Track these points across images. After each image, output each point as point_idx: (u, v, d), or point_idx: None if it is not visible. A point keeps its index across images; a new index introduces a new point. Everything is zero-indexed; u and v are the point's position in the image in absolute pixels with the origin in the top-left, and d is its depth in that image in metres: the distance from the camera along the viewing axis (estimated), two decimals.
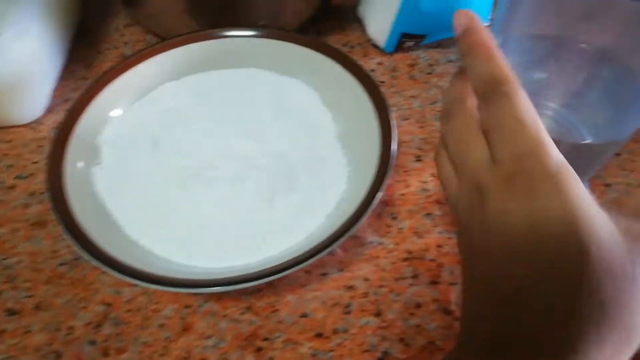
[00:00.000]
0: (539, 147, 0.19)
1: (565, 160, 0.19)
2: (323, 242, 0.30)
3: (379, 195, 0.31)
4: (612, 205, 0.20)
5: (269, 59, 0.41)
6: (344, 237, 0.30)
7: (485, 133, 0.21)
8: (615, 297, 0.18)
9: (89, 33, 0.51)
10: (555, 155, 0.19)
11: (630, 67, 0.22)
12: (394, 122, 0.34)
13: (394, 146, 0.33)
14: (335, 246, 0.29)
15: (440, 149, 0.24)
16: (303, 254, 0.29)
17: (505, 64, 0.21)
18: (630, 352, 0.18)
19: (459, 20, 0.23)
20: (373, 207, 0.31)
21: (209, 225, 0.32)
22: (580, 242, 0.18)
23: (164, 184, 0.34)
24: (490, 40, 0.21)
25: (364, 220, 0.30)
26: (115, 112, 0.38)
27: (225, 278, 0.28)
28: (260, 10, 0.45)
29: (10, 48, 0.39)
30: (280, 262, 0.29)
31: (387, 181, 0.32)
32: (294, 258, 0.29)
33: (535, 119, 0.19)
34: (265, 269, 0.28)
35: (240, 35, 0.40)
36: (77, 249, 0.30)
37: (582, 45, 0.23)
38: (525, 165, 0.19)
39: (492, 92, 0.20)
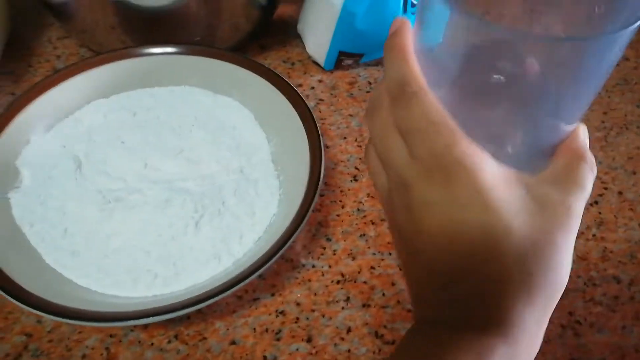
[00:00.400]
0: (451, 143, 0.20)
1: (477, 149, 0.20)
2: (250, 267, 0.29)
3: (308, 215, 0.31)
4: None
5: (202, 77, 0.40)
6: (270, 262, 0.29)
7: (401, 133, 0.21)
8: (541, 264, 0.20)
9: (19, 45, 0.49)
10: (465, 146, 0.20)
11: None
12: (323, 144, 0.34)
13: (323, 170, 0.33)
14: (262, 271, 0.29)
15: (369, 143, 0.25)
16: (228, 281, 0.29)
17: (415, 66, 0.21)
18: (557, 299, 0.21)
19: (392, 25, 0.24)
20: (301, 228, 0.31)
21: (131, 253, 0.31)
22: (498, 223, 0.19)
23: (86, 209, 0.33)
24: (407, 43, 0.22)
25: (292, 241, 0.30)
26: (38, 132, 0.36)
27: (147, 309, 0.27)
28: (194, 25, 0.44)
29: None
30: (205, 290, 0.29)
31: (315, 201, 0.32)
32: (218, 286, 0.28)
33: (444, 117, 0.20)
34: (186, 299, 0.28)
35: (171, 52, 0.40)
36: None
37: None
38: (441, 161, 0.20)
39: (401, 93, 0.21)
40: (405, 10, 0.43)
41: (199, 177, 0.34)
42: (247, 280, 0.29)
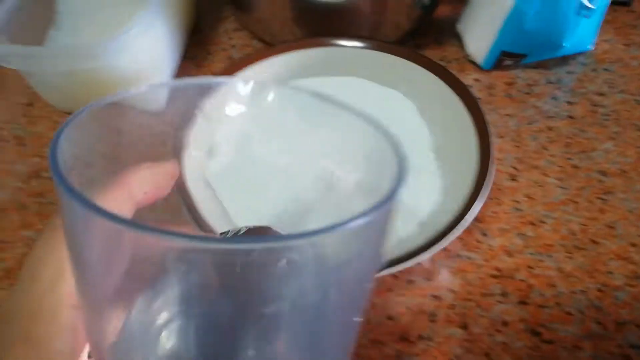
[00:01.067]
0: None
1: None
2: (415, 249, 0.31)
3: (475, 210, 0.32)
4: None
5: (370, 69, 0.43)
6: (436, 247, 0.30)
7: None
8: None
9: (200, 35, 0.56)
10: None
11: None
12: (492, 140, 0.35)
13: (492, 165, 0.33)
14: (427, 254, 0.30)
15: None
16: (395, 259, 0.30)
17: None
18: None
19: None
20: (468, 222, 0.31)
21: (308, 223, 0.34)
22: None
23: (268, 179, 0.36)
24: None
25: (457, 233, 0.31)
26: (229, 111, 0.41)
27: None
28: (362, 22, 0.47)
29: (134, 44, 0.43)
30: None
31: (483, 198, 0.32)
32: (392, 260, 0.30)
33: None
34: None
35: (345, 45, 0.42)
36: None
37: None
38: None
39: None
40: (578, 12, 0.42)
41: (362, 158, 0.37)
42: (412, 260, 0.30)
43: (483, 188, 0.33)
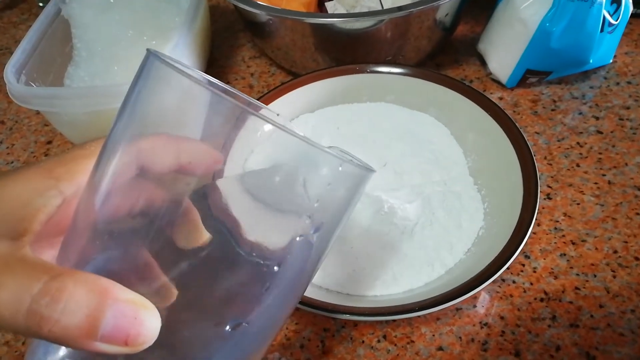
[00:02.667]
0: None
1: None
2: (472, 279, 0.30)
3: (525, 240, 0.31)
4: None
5: (398, 94, 0.43)
6: (492, 279, 0.30)
7: None
8: None
9: (218, 65, 0.56)
10: None
11: None
12: (536, 164, 0.34)
13: (538, 187, 0.33)
14: (485, 285, 0.30)
15: None
16: (451, 291, 0.30)
17: None
18: None
19: None
20: (519, 251, 0.31)
21: (356, 255, 0.34)
22: None
23: None
24: None
25: (511, 262, 0.31)
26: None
27: (399, 306, 0.29)
28: (384, 47, 0.47)
29: None
30: (425, 297, 0.30)
31: (534, 221, 0.32)
32: (443, 294, 0.30)
33: None
34: (429, 299, 0.29)
35: (376, 71, 0.42)
36: None
37: None
38: None
39: None
40: (602, 29, 0.42)
41: (408, 187, 0.36)
42: (472, 292, 0.30)
43: (533, 218, 0.32)
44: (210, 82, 0.21)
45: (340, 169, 0.18)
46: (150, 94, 0.18)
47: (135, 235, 0.18)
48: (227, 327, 0.19)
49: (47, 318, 0.15)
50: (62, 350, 0.18)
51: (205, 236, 0.18)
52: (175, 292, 0.18)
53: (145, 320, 0.16)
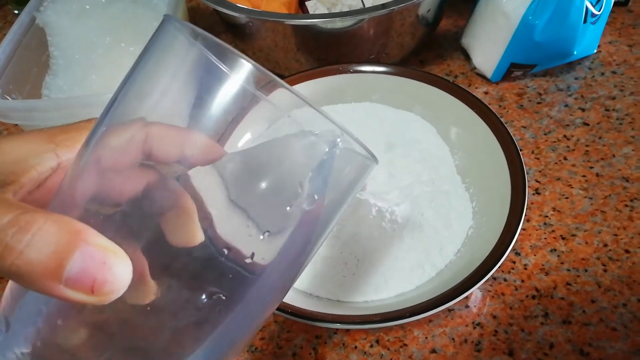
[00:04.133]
0: None
1: None
2: (464, 281, 0.30)
3: (515, 239, 0.31)
4: None
5: (381, 93, 0.42)
6: (484, 279, 0.30)
7: None
8: None
9: None
10: None
11: None
12: (520, 152, 0.34)
13: (526, 185, 0.33)
14: (476, 287, 0.29)
15: None
16: (441, 295, 0.30)
17: None
18: None
19: None
20: (509, 251, 0.31)
21: (345, 260, 0.33)
22: None
23: None
24: None
25: (502, 262, 0.30)
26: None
27: (372, 315, 0.29)
28: (367, 45, 0.46)
29: None
30: (416, 301, 0.30)
31: (523, 218, 0.32)
32: (433, 299, 0.29)
33: None
34: (421, 304, 0.29)
35: (359, 70, 0.42)
36: None
37: None
38: None
39: None
40: (585, 20, 0.42)
41: (397, 189, 0.36)
42: (461, 297, 0.29)
43: (522, 216, 0.32)
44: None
45: (343, 146, 0.18)
46: (171, 75, 0.18)
47: (125, 223, 0.17)
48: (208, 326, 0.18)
49: (11, 248, 0.15)
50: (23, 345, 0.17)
51: (199, 235, 0.17)
52: (156, 291, 0.17)
53: (114, 266, 0.15)
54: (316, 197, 0.18)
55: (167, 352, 0.18)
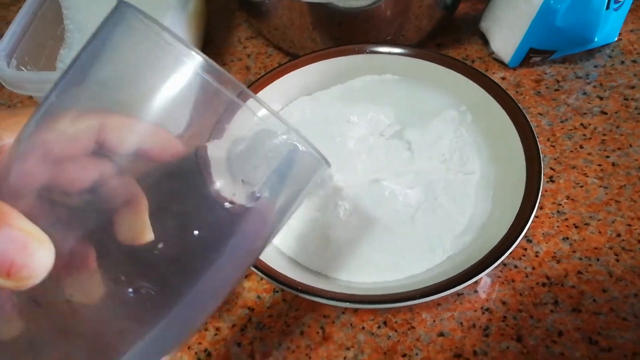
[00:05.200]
0: None
1: None
2: (473, 266, 0.30)
3: (527, 226, 0.31)
4: None
5: (400, 74, 0.42)
6: (494, 265, 0.29)
7: None
8: None
9: (213, 46, 0.54)
10: None
11: None
12: (539, 148, 0.34)
13: (542, 175, 0.32)
14: (486, 272, 0.29)
15: None
16: (451, 278, 0.29)
17: None
18: None
19: None
20: (520, 238, 0.30)
21: (354, 241, 0.33)
22: None
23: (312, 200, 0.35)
24: None
25: (514, 247, 0.30)
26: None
27: (379, 295, 0.29)
28: (384, 25, 0.46)
29: None
30: (426, 283, 0.30)
31: (537, 206, 0.31)
32: (443, 281, 0.29)
33: None
34: (430, 286, 0.29)
35: (375, 51, 0.41)
36: None
37: None
38: None
39: None
40: (608, 6, 0.41)
41: (412, 172, 0.36)
42: (471, 281, 0.29)
43: (535, 204, 0.31)
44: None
45: (286, 140, 0.18)
46: (126, 60, 0.17)
47: (71, 213, 0.17)
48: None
49: None
50: None
51: (149, 234, 0.17)
52: (101, 289, 0.17)
53: (35, 252, 0.15)
54: (258, 195, 0.18)
55: (107, 346, 0.18)
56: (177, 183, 0.18)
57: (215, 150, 0.18)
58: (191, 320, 0.20)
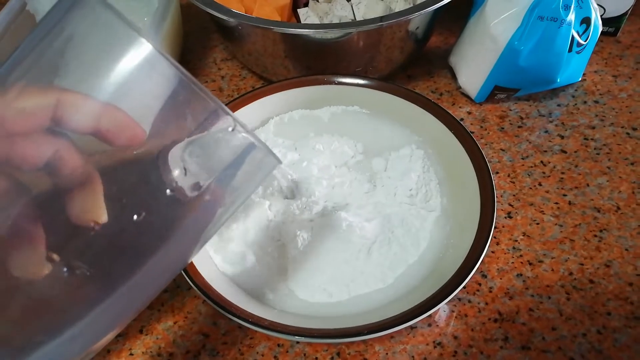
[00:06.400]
0: None
1: None
2: (426, 300, 0.30)
3: (479, 263, 0.31)
4: None
5: (365, 106, 0.42)
6: (446, 300, 0.30)
7: None
8: None
9: (188, 66, 0.55)
10: None
11: None
12: (494, 189, 0.34)
13: (494, 215, 0.33)
14: (436, 308, 0.30)
15: None
16: (401, 314, 0.30)
17: None
18: None
19: None
20: (472, 274, 0.31)
21: (309, 270, 0.34)
22: None
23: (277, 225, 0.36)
24: None
25: (465, 283, 0.31)
26: None
27: (329, 329, 0.29)
28: (356, 57, 0.46)
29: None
30: (378, 319, 0.30)
31: (489, 244, 0.32)
32: (392, 318, 0.30)
33: None
34: (375, 323, 0.29)
35: (342, 82, 0.42)
36: (186, 278, 0.32)
37: None
38: None
39: None
40: (570, 49, 0.43)
41: (372, 204, 0.36)
42: (423, 316, 0.30)
43: (489, 237, 0.32)
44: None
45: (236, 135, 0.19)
46: (89, 43, 0.17)
47: (23, 190, 0.17)
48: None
49: None
50: None
51: (103, 215, 0.17)
52: (48, 267, 0.17)
53: None
54: (205, 186, 0.19)
55: (45, 324, 0.18)
56: (130, 170, 0.19)
57: (171, 143, 0.18)
58: (131, 304, 0.20)
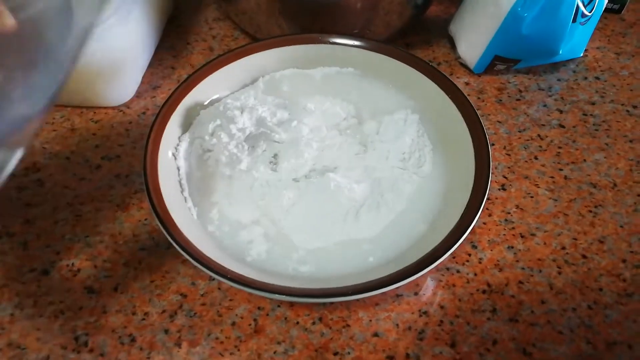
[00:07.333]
0: None
1: None
2: (412, 265, 0.29)
3: (468, 231, 0.30)
4: None
5: (360, 68, 0.41)
6: (431, 267, 0.29)
7: None
8: None
9: (179, 24, 0.52)
10: None
11: None
12: (490, 156, 0.33)
13: (489, 181, 0.32)
14: (421, 274, 0.29)
15: None
16: (388, 276, 0.29)
17: None
18: None
19: None
20: (460, 241, 0.30)
21: (298, 230, 0.32)
22: None
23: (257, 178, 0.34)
24: None
25: (457, 245, 0.30)
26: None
27: (312, 289, 0.28)
28: (352, 18, 0.45)
29: (111, 33, 0.40)
30: (370, 280, 0.29)
31: (480, 213, 0.31)
32: (378, 279, 0.28)
33: None
34: (359, 284, 0.28)
35: (337, 42, 0.40)
36: (166, 235, 0.30)
37: None
38: None
39: None
40: (575, 19, 0.41)
41: (362, 167, 0.35)
42: (406, 281, 0.28)
43: (481, 205, 0.31)
44: None
45: None
46: None
47: None
48: None
49: None
50: None
51: (9, 20, 0.19)
52: None
53: None
54: None
55: None
56: None
57: None
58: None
